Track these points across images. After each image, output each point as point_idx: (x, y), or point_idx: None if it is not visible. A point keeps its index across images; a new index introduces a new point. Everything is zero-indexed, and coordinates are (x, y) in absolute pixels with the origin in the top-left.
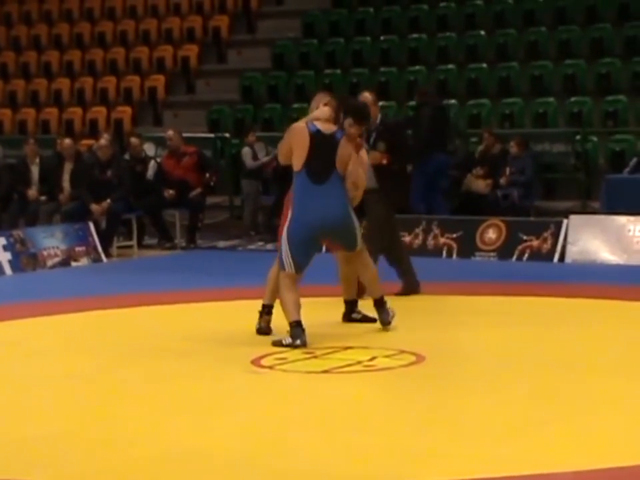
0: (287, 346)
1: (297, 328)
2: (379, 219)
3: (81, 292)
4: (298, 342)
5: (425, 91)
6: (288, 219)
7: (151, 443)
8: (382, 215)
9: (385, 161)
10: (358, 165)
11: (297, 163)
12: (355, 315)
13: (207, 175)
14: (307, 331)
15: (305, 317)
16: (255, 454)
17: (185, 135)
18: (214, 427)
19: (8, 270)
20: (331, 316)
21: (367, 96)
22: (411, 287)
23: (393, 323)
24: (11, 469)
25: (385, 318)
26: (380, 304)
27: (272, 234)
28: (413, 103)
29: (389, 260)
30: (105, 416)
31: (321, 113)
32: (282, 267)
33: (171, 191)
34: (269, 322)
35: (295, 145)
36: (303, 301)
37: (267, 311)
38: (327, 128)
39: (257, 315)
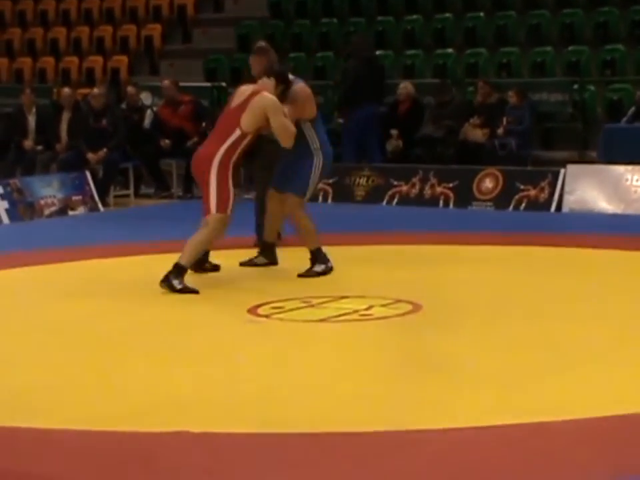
0: (322, 273)
1: (321, 253)
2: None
3: (77, 241)
4: (329, 264)
5: (356, 42)
6: (320, 158)
7: (146, 391)
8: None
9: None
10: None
11: (313, 110)
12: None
13: (204, 124)
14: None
15: (298, 267)
16: (250, 402)
17: (181, 84)
18: (209, 375)
19: (5, 219)
20: None
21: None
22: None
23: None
24: (14, 416)
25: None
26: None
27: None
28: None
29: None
30: (101, 364)
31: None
32: (300, 192)
33: (167, 141)
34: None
35: (309, 98)
36: (294, 250)
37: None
38: None
39: (252, 264)
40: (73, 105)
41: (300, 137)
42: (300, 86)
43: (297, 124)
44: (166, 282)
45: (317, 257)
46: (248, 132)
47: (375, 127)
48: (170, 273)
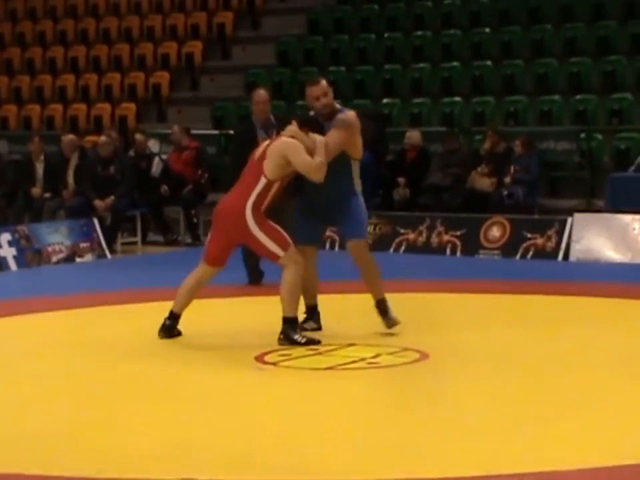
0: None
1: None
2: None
3: (85, 288)
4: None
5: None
6: (361, 198)
7: (152, 438)
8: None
9: None
10: None
11: (362, 149)
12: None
13: (199, 171)
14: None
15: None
16: (256, 450)
17: (195, 132)
18: (217, 423)
19: (13, 265)
20: (333, 312)
21: (263, 93)
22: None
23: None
24: (21, 463)
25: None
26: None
27: None
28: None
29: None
30: (107, 411)
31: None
32: (363, 237)
33: (165, 187)
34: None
35: (357, 134)
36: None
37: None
38: None
39: (265, 311)
40: (78, 151)
41: (347, 175)
42: (352, 114)
43: (345, 161)
44: (287, 339)
45: (386, 307)
46: (274, 179)
47: (368, 177)
48: (285, 329)
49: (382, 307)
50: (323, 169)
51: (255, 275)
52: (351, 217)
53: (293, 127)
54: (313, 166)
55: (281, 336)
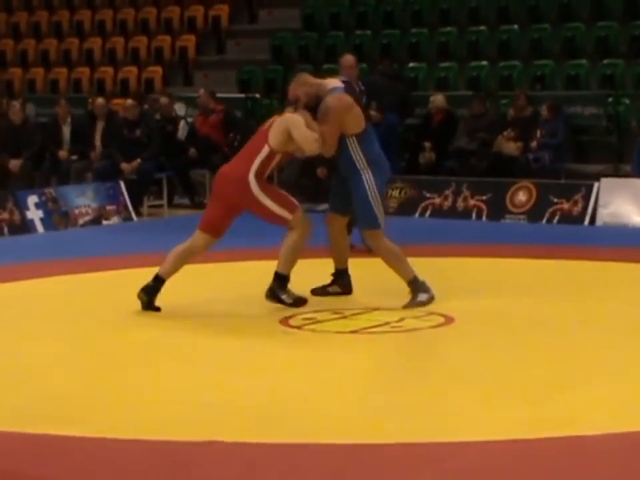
0: (426, 302)
1: (418, 282)
2: None
3: (111, 250)
4: (431, 292)
5: (382, 61)
6: (369, 178)
7: (175, 400)
8: None
9: (379, 118)
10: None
11: (359, 123)
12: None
13: (231, 134)
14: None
15: (328, 277)
16: (282, 412)
17: (220, 95)
18: (242, 385)
19: (40, 228)
20: (359, 277)
21: (350, 57)
22: None
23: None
24: (45, 424)
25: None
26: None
27: (302, 194)
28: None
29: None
30: (130, 374)
31: (329, 80)
32: (374, 226)
33: (193, 150)
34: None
35: (346, 113)
36: (326, 260)
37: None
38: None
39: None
40: (106, 114)
41: (345, 154)
42: (333, 97)
43: (342, 138)
44: (273, 297)
45: (416, 286)
46: (276, 149)
47: (393, 139)
48: (273, 286)
49: (411, 287)
50: (316, 142)
51: None
52: (357, 206)
53: (301, 110)
54: (309, 138)
55: (268, 292)
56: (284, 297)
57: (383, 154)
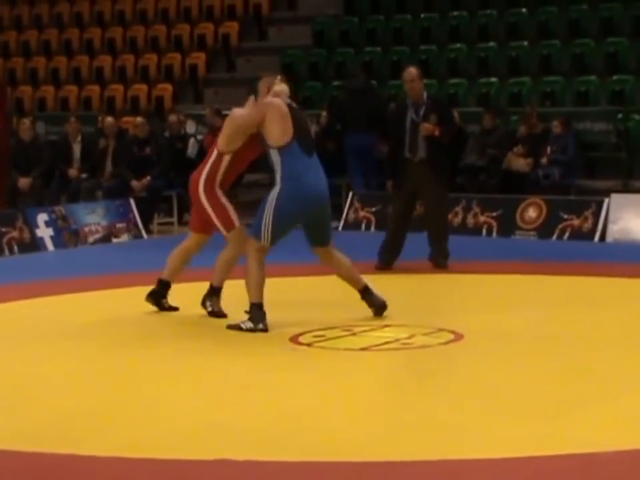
0: (247, 330)
1: (259, 311)
2: (436, 191)
3: (121, 268)
4: (260, 326)
5: (356, 73)
6: (277, 191)
7: (186, 418)
8: (437, 188)
9: (437, 133)
10: None
11: (282, 136)
12: (207, 305)
13: None
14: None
15: (340, 296)
16: (293, 430)
17: (226, 112)
18: (253, 403)
19: (50, 246)
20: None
21: (411, 70)
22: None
23: (387, 308)
24: (56, 442)
25: (378, 301)
26: (366, 291)
27: None
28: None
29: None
30: (141, 391)
31: (283, 89)
32: (256, 236)
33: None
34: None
35: (273, 120)
36: (337, 278)
37: (217, 293)
38: (294, 103)
39: (300, 291)
40: (116, 133)
41: (269, 163)
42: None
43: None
44: (202, 303)
45: (254, 312)
46: (222, 151)
47: (364, 160)
48: (205, 294)
49: (251, 310)
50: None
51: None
52: (258, 211)
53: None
54: (223, 135)
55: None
56: (208, 304)
57: (313, 176)
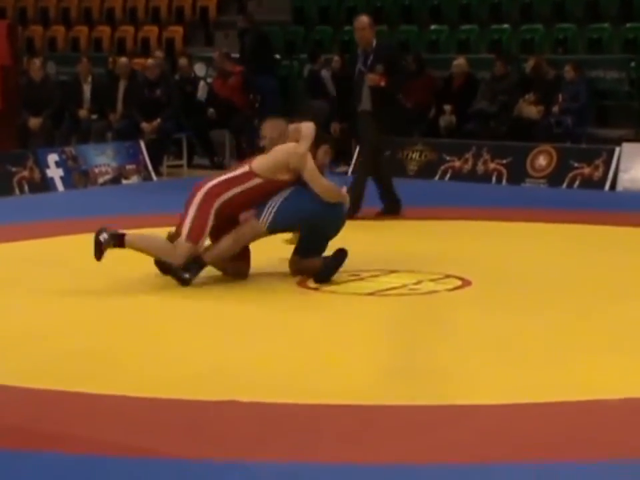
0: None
1: (196, 264)
2: (372, 142)
3: (130, 210)
4: (186, 275)
5: (249, 18)
6: (297, 187)
7: (193, 360)
8: (375, 137)
9: (382, 83)
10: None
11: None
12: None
13: (251, 96)
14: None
15: (350, 241)
16: (299, 372)
17: (235, 55)
18: (259, 346)
19: (60, 186)
20: (377, 239)
21: (363, 19)
22: (391, 208)
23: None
24: (64, 380)
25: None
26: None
27: None
28: None
29: (375, 180)
30: (153, 332)
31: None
32: (257, 216)
33: (212, 110)
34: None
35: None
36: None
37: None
38: None
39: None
40: (128, 74)
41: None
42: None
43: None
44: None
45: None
46: (260, 174)
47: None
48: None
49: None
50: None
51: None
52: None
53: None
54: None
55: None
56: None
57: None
